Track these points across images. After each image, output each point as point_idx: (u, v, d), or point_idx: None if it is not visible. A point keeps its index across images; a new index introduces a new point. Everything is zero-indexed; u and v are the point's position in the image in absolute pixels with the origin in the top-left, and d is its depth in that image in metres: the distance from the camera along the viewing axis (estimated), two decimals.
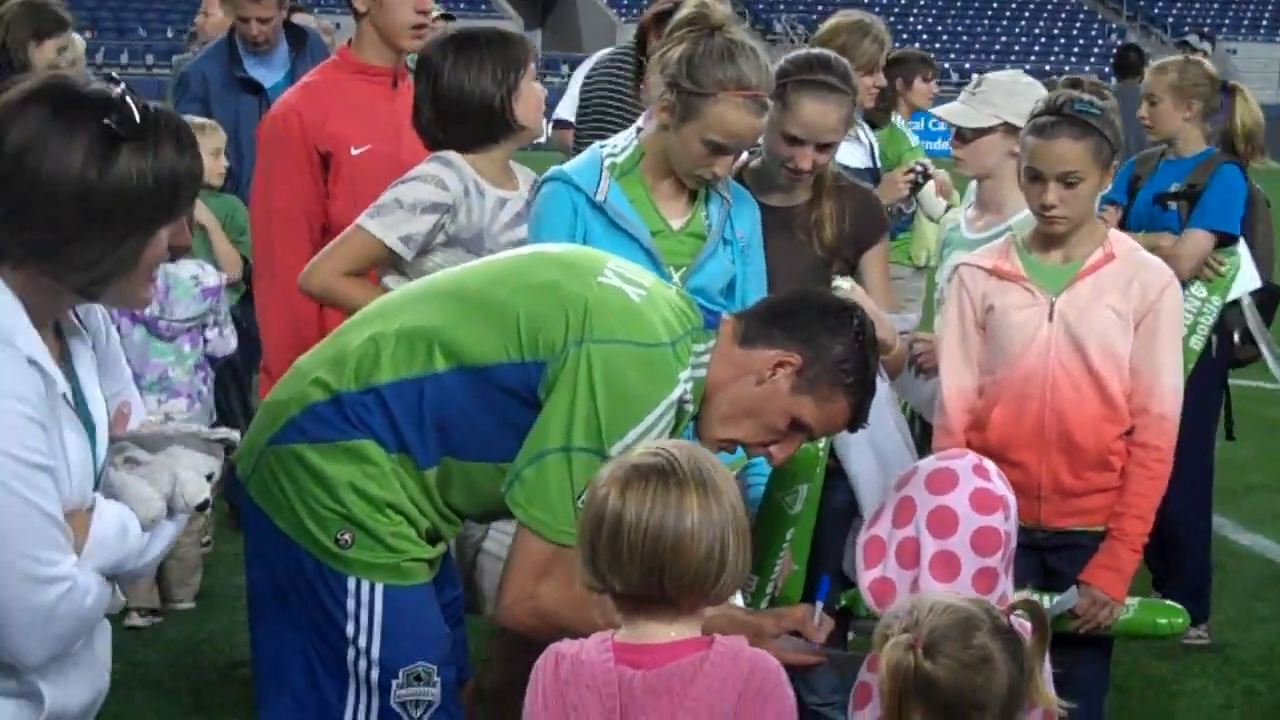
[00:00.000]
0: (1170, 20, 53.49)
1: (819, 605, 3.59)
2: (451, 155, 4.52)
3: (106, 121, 2.54)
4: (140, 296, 2.76)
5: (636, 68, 6.26)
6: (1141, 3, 56.20)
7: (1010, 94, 5.03)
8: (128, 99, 2.58)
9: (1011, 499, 3.59)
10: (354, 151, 5.11)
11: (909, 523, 3.51)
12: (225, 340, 6.29)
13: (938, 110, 5.36)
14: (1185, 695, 6.09)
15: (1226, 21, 55.69)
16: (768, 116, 4.21)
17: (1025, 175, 4.41)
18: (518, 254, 3.81)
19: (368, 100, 5.21)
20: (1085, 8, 56.33)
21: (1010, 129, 4.91)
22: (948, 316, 4.56)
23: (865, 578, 3.54)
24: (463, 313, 3.44)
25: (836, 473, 4.60)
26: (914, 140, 8.67)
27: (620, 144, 4.35)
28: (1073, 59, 50.36)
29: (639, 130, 4.38)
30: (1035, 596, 3.43)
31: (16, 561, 2.51)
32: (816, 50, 4.82)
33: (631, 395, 3.34)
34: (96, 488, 2.72)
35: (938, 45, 46.57)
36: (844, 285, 4.38)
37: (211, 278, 6.19)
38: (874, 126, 7.51)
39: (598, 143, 4.45)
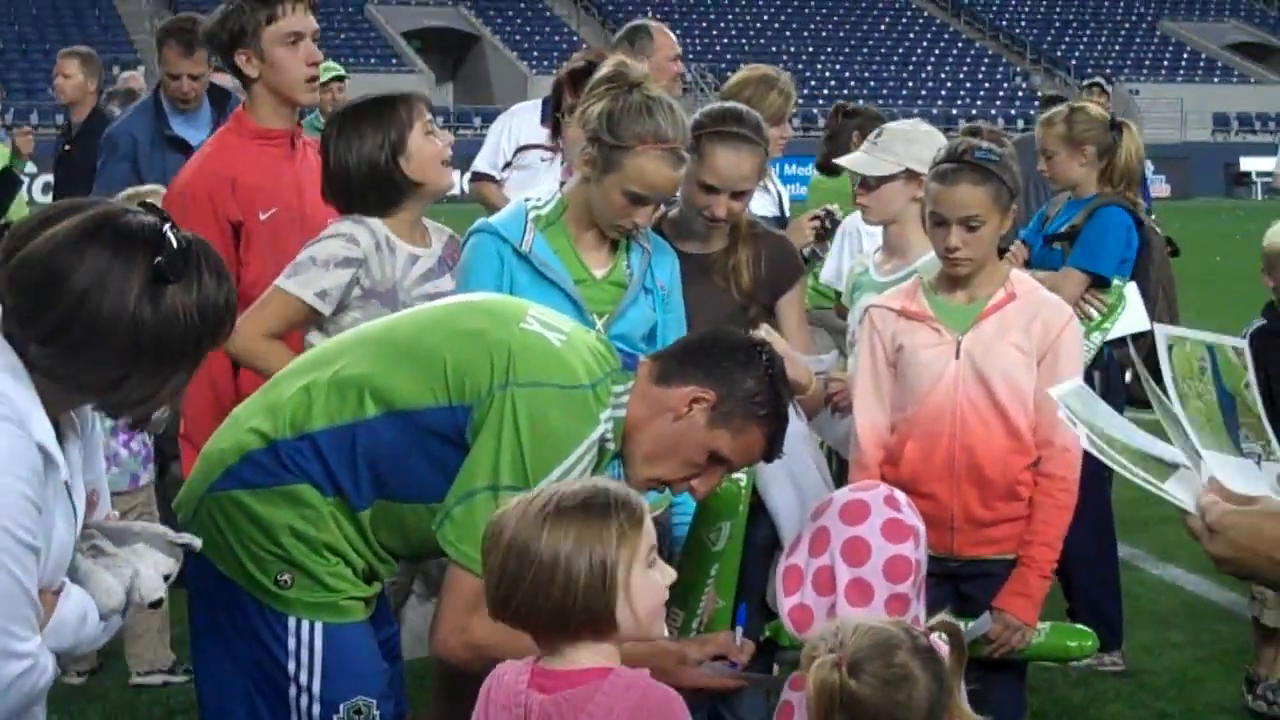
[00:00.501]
0: (1073, 62, 54.27)
1: (739, 630, 3.75)
2: (359, 215, 4.66)
3: (158, 260, 2.63)
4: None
5: (554, 124, 6.43)
6: (1044, 47, 57.02)
7: (911, 141, 5.23)
8: (171, 235, 2.67)
9: (921, 528, 3.76)
10: (262, 216, 5.16)
11: (824, 552, 3.69)
12: None
13: (841, 160, 5.56)
14: None
15: (1128, 63, 56.56)
16: (684, 168, 4.38)
17: (930, 220, 4.59)
18: (444, 303, 3.96)
19: (269, 163, 5.26)
20: (990, 52, 57.08)
21: (912, 175, 5.10)
22: (859, 356, 4.73)
23: (785, 604, 3.70)
24: (392, 360, 3.59)
25: (758, 508, 4.75)
26: None
27: (544, 197, 4.50)
28: (979, 102, 51.03)
29: (562, 184, 4.54)
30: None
31: None
32: (729, 104, 5.00)
33: (555, 435, 3.49)
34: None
35: (845, 92, 47.03)
36: (759, 332, 4.54)
37: None
38: (829, 173, 7.68)
39: (522, 195, 4.61)
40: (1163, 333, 2.57)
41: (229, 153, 5.32)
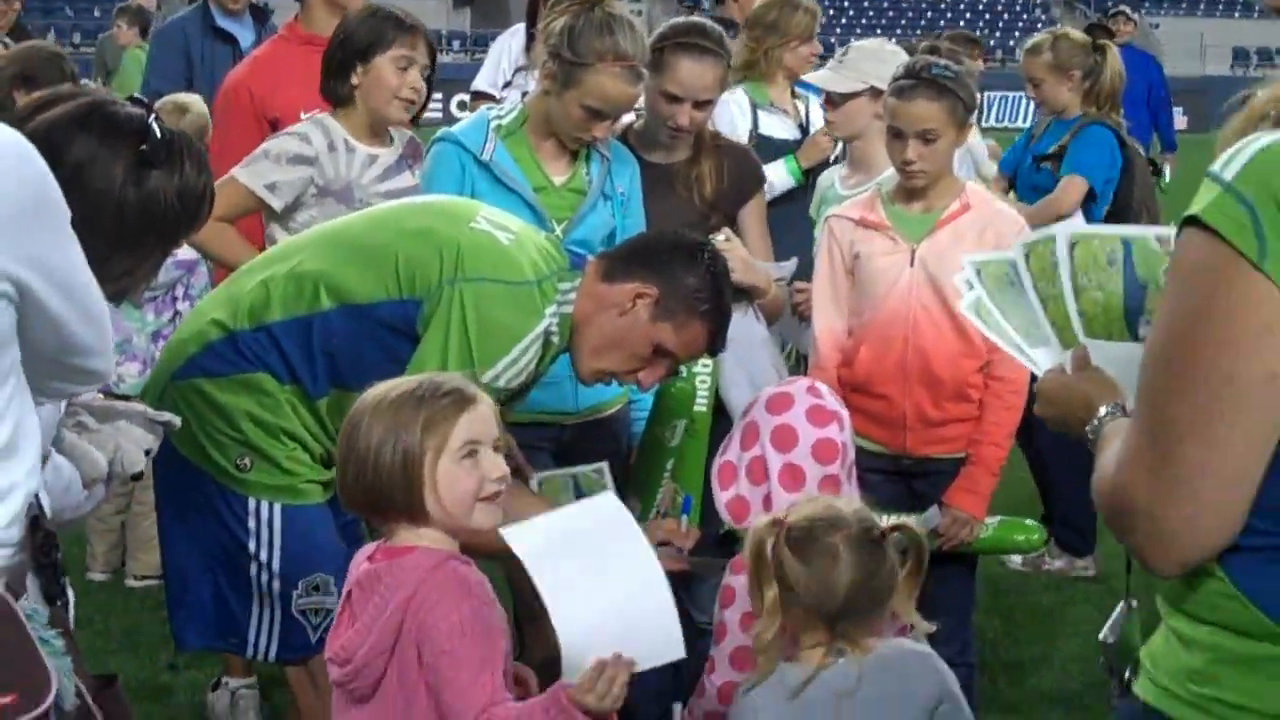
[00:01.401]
0: None
1: (685, 518, 3.91)
2: (323, 116, 4.87)
3: (143, 147, 2.81)
4: (139, 298, 3.06)
5: (529, 40, 6.55)
6: None
7: (877, 60, 5.38)
8: (156, 125, 2.85)
9: (844, 413, 3.94)
10: (303, 116, 5.26)
11: (755, 443, 3.85)
12: None
13: (809, 76, 5.71)
14: (1069, 622, 6.39)
15: None
16: (642, 85, 4.51)
17: (888, 133, 4.74)
18: (398, 204, 4.14)
19: (315, 68, 5.34)
20: None
21: (876, 93, 5.23)
22: (818, 264, 4.88)
23: (721, 498, 3.88)
24: (346, 256, 3.75)
25: (720, 411, 4.90)
26: None
27: (506, 108, 4.65)
28: (998, 33, 50.79)
29: (524, 95, 4.68)
30: (902, 518, 3.74)
31: None
32: (693, 17, 5.13)
33: (500, 328, 3.66)
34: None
35: (865, 21, 46.93)
36: (720, 237, 4.68)
37: (185, 250, 6.33)
38: None
39: (484, 106, 4.76)
40: (1065, 231, 2.73)
41: (278, 56, 5.65)
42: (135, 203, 2.80)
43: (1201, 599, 2.12)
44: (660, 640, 3.01)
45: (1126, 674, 2.36)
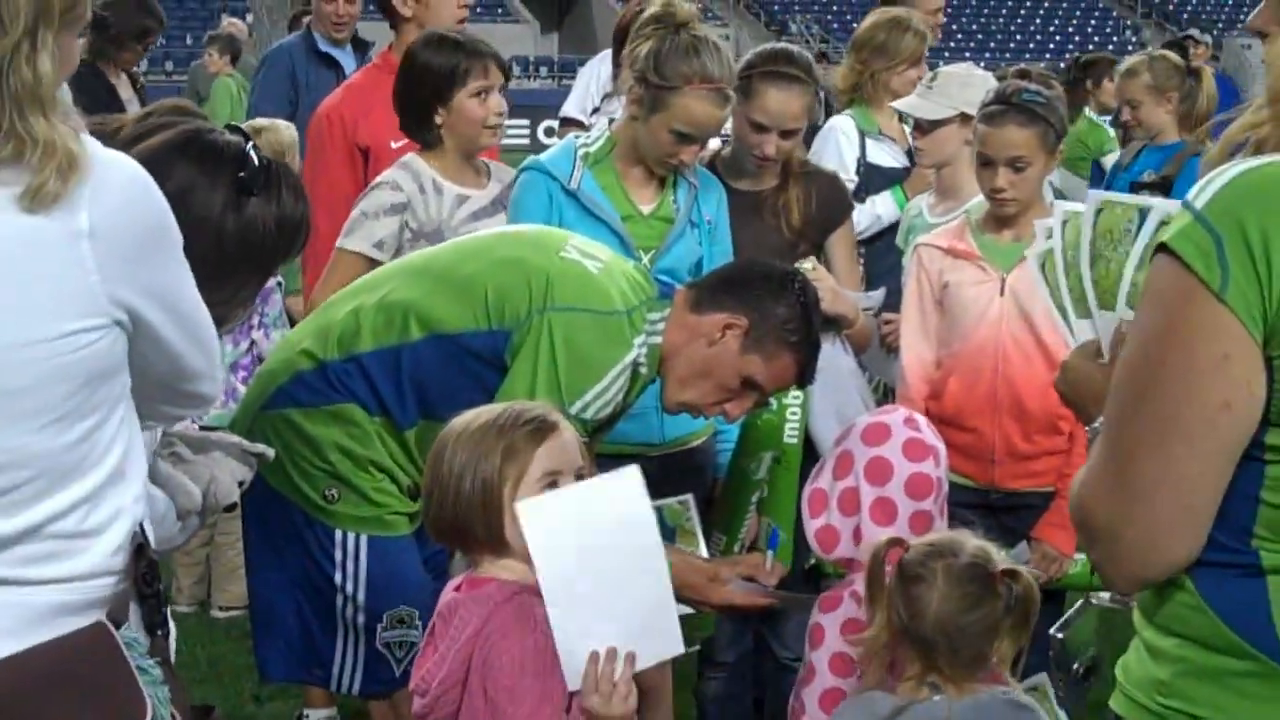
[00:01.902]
0: (1185, 16, 53.55)
1: (770, 554, 3.88)
2: (410, 158, 4.84)
3: (241, 174, 2.83)
4: (233, 326, 3.11)
5: (615, 66, 6.54)
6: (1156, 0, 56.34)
7: (964, 85, 5.32)
8: (254, 153, 2.87)
9: (941, 448, 3.87)
10: (394, 145, 5.35)
11: (848, 474, 3.80)
12: (272, 342, 6.20)
13: (897, 104, 5.65)
14: None
15: (1241, 16, 55.73)
16: (730, 107, 4.48)
17: (977, 161, 4.70)
18: (487, 233, 4.13)
19: None
20: (1100, 4, 56.43)
21: (965, 119, 5.18)
22: (907, 293, 4.84)
23: (811, 526, 3.82)
24: (436, 286, 3.75)
25: (805, 443, 4.86)
26: (1111, 132, 8.96)
27: (593, 135, 4.63)
28: (1089, 54, 50.43)
29: (611, 121, 4.67)
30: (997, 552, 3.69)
31: None
32: (781, 45, 5.10)
33: (589, 358, 3.64)
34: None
35: (954, 43, 46.67)
36: (806, 265, 4.65)
37: None
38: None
39: (572, 133, 4.75)
40: (1096, 196, 2.71)
41: (370, 84, 5.69)
42: (234, 230, 2.81)
43: (1170, 611, 2.16)
44: (659, 635, 2.94)
45: (1075, 667, 2.39)
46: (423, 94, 4.77)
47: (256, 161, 2.85)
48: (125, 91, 7.98)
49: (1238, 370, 2.04)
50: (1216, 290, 2.02)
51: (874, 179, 6.06)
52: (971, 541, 3.45)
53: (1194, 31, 15.23)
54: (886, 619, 3.37)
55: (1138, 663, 2.23)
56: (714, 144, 5.52)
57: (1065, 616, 2.63)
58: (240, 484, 3.11)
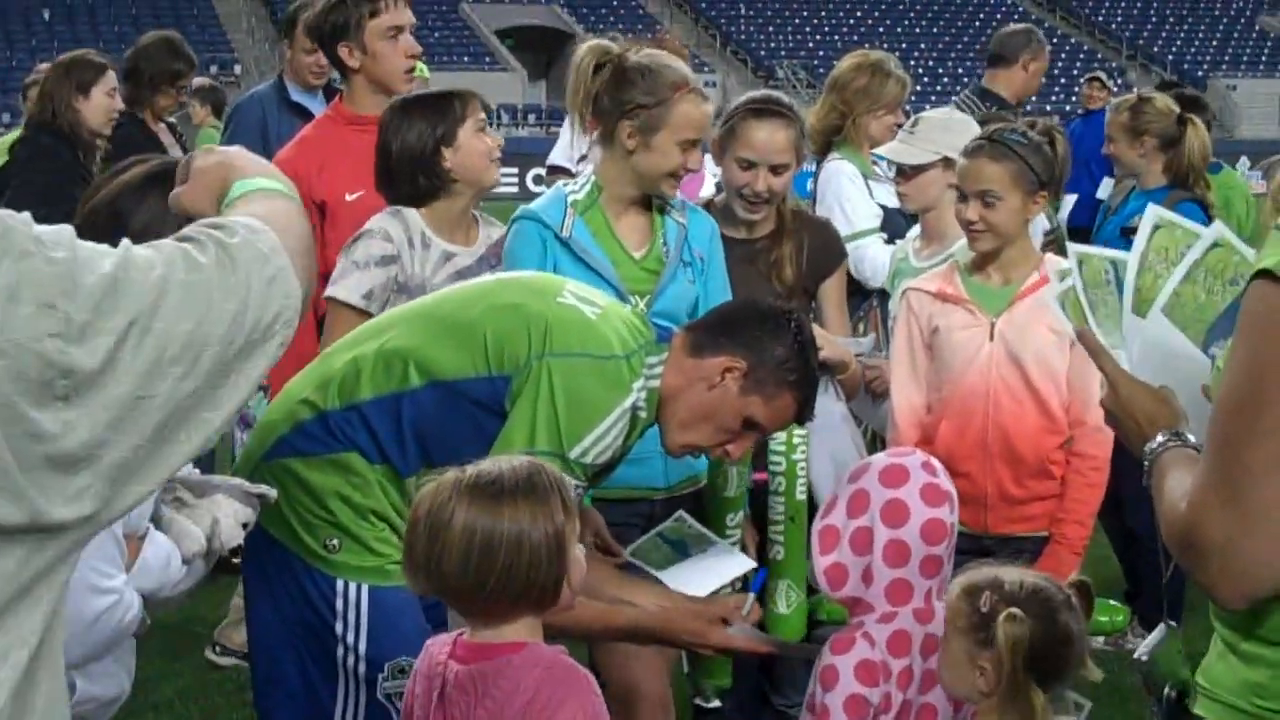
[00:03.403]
0: (1170, 58, 53.84)
1: (751, 596, 3.91)
2: (401, 207, 4.81)
3: None
4: None
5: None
6: (1140, 42, 56.57)
7: (946, 130, 5.39)
8: None
9: (954, 493, 3.90)
10: (348, 198, 5.34)
11: (863, 513, 3.81)
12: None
13: (880, 150, 5.71)
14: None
15: (1226, 58, 56.02)
16: (710, 104, 4.56)
17: (956, 197, 4.76)
18: (485, 279, 4.17)
19: (361, 149, 5.35)
20: (1085, 47, 56.67)
21: (949, 163, 5.24)
22: (896, 338, 4.89)
23: (820, 563, 3.83)
24: (435, 333, 3.77)
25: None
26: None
27: (579, 182, 4.68)
28: (1074, 98, 50.67)
29: (595, 167, 4.71)
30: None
31: (80, 569, 2.80)
32: (765, 90, 5.19)
33: (588, 402, 3.67)
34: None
35: (939, 87, 46.91)
36: None
37: None
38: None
39: (561, 181, 4.80)
40: (1074, 251, 2.89)
41: (324, 137, 5.62)
42: None
43: (1265, 620, 2.27)
44: None
45: (1166, 691, 2.47)
46: (429, 147, 4.73)
47: None
48: (166, 138, 8.07)
49: None
50: None
51: (888, 221, 6.07)
52: (1039, 577, 3.46)
53: (1100, 75, 15.23)
54: (998, 675, 3.28)
55: (1226, 670, 2.34)
56: (708, 191, 5.57)
57: (1147, 641, 2.70)
58: (244, 526, 3.13)
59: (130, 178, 2.90)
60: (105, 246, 1.76)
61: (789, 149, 4.89)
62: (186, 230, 1.89)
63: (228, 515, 3.12)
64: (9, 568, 1.67)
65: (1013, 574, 3.41)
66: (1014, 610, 3.26)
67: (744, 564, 4.22)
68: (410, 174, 4.76)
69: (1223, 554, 2.19)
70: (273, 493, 3.23)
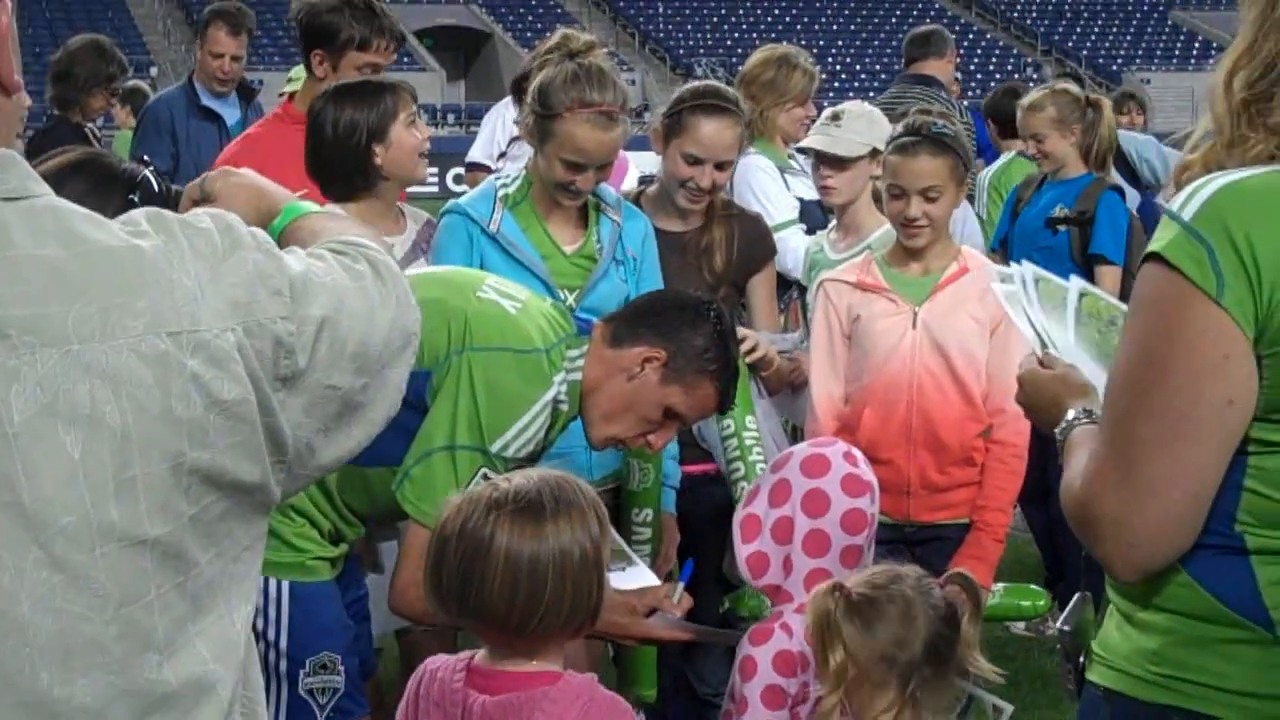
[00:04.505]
0: (1084, 53, 54.26)
1: (680, 585, 3.90)
2: (333, 207, 4.72)
3: (131, 197, 2.77)
4: None
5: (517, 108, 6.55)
6: (1056, 37, 57.00)
7: (872, 123, 5.39)
8: (150, 178, 2.83)
9: (875, 484, 3.90)
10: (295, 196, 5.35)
11: (785, 503, 3.81)
12: None
13: (806, 142, 5.65)
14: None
15: (1140, 53, 56.53)
16: (618, 131, 4.46)
17: (888, 193, 4.75)
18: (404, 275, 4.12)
19: None
20: (1001, 43, 57.07)
21: (874, 155, 5.24)
22: (815, 329, 4.87)
23: (742, 551, 3.83)
24: None
25: (718, 477, 4.87)
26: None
27: (511, 175, 4.65)
28: (989, 92, 51.03)
29: (527, 162, 4.69)
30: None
31: None
32: (709, 81, 5.15)
33: (509, 396, 3.65)
34: None
35: (856, 83, 47.11)
36: None
37: None
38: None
39: (492, 175, 4.76)
40: (1078, 284, 2.89)
41: (270, 137, 5.63)
42: None
43: (1159, 590, 2.32)
44: None
45: (1081, 659, 2.52)
46: (359, 141, 4.61)
47: (155, 187, 2.81)
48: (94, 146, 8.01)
49: (1238, 368, 2.20)
50: (1214, 295, 2.18)
51: (805, 213, 6.07)
52: (905, 568, 3.51)
53: (1132, 92, 15.31)
54: (843, 665, 3.36)
55: (1122, 638, 2.38)
56: (631, 183, 5.54)
57: (1066, 611, 2.74)
58: None
59: (54, 164, 2.85)
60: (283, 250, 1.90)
61: (734, 146, 4.87)
62: (328, 243, 2.03)
63: None
64: (260, 527, 1.86)
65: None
66: (827, 584, 3.38)
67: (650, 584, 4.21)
68: (342, 165, 4.64)
69: (1116, 528, 2.26)
70: None
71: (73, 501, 1.65)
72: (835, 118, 5.48)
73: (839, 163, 5.42)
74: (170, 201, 2.83)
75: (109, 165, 2.87)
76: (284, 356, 1.81)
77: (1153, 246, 2.24)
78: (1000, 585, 4.78)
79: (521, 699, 2.82)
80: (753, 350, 4.65)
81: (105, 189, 2.81)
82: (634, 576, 4.14)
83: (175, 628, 1.74)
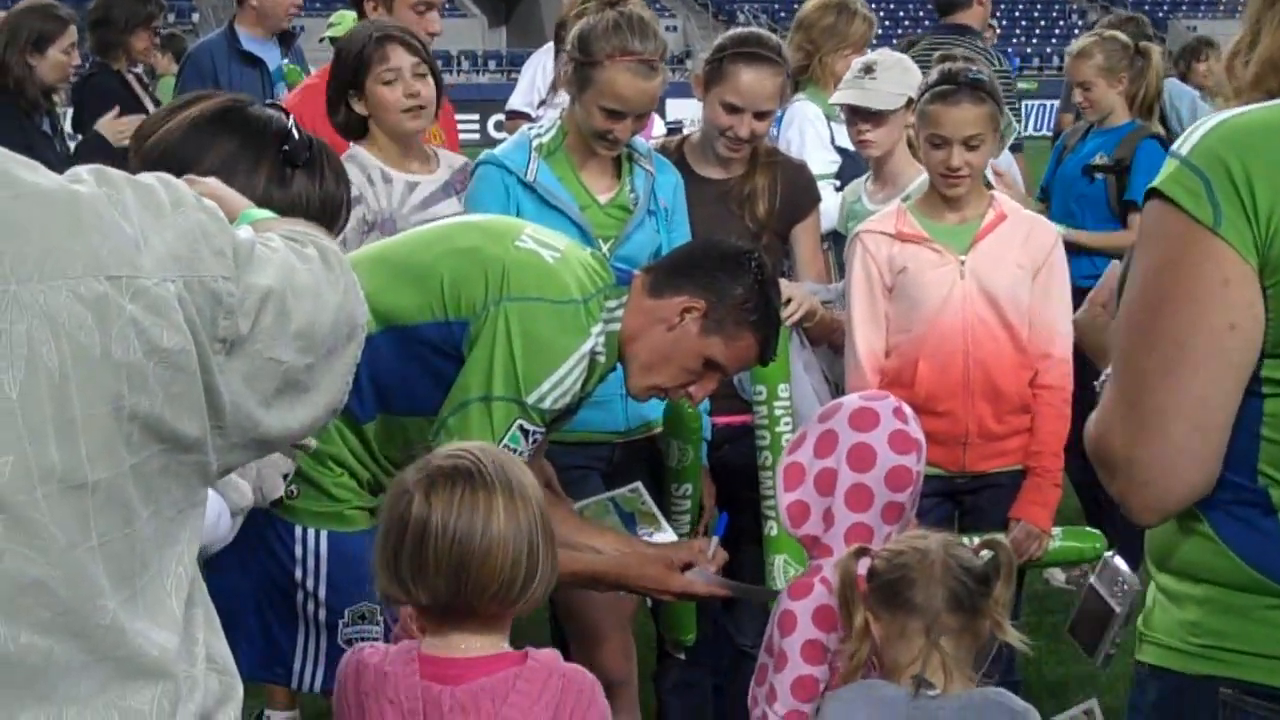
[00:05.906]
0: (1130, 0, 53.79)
1: (716, 539, 3.86)
2: (354, 150, 4.81)
3: (285, 149, 2.71)
4: None
5: (557, 56, 6.52)
6: None
7: (905, 70, 5.28)
8: (294, 128, 2.75)
9: (924, 442, 3.84)
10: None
11: (830, 454, 3.75)
12: None
13: (839, 97, 5.44)
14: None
15: (1186, 1, 56.02)
16: (659, 80, 4.44)
17: (928, 143, 4.68)
18: (441, 223, 4.08)
19: None
20: None
21: (909, 105, 5.16)
22: (854, 283, 4.77)
23: (784, 499, 3.78)
24: (390, 278, 3.69)
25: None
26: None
27: (546, 125, 4.61)
28: (1034, 40, 50.69)
29: (562, 111, 4.65)
30: (964, 540, 3.66)
31: None
32: (751, 28, 5.09)
33: (546, 347, 3.60)
34: None
35: (900, 30, 46.80)
36: None
37: None
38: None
39: (525, 126, 4.73)
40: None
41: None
42: (279, 206, 2.60)
43: (1190, 557, 2.31)
44: None
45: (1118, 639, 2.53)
46: (341, 87, 4.84)
47: (298, 137, 2.75)
48: (136, 88, 7.98)
49: (1238, 293, 2.19)
50: (1211, 225, 2.18)
51: (846, 164, 5.96)
52: (934, 535, 3.48)
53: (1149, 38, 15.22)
54: (865, 625, 3.38)
55: (1161, 612, 2.37)
56: (659, 130, 5.47)
57: (1121, 594, 2.74)
58: (284, 476, 3.06)
59: (196, 116, 2.76)
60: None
61: (775, 95, 4.82)
62: (274, 230, 2.01)
63: (269, 466, 3.05)
64: (197, 495, 1.85)
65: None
66: (861, 546, 3.42)
67: None
68: (334, 107, 4.88)
69: (1127, 464, 2.26)
70: (313, 442, 3.14)
71: (10, 441, 1.62)
72: (868, 70, 5.31)
73: (875, 116, 5.28)
74: (315, 150, 2.77)
75: (255, 116, 2.75)
76: (223, 316, 1.78)
77: (1152, 183, 2.26)
78: (1057, 530, 4.76)
79: (493, 683, 2.77)
80: (794, 312, 4.61)
81: (258, 142, 2.71)
82: (664, 543, 4.13)
83: (122, 577, 1.72)
